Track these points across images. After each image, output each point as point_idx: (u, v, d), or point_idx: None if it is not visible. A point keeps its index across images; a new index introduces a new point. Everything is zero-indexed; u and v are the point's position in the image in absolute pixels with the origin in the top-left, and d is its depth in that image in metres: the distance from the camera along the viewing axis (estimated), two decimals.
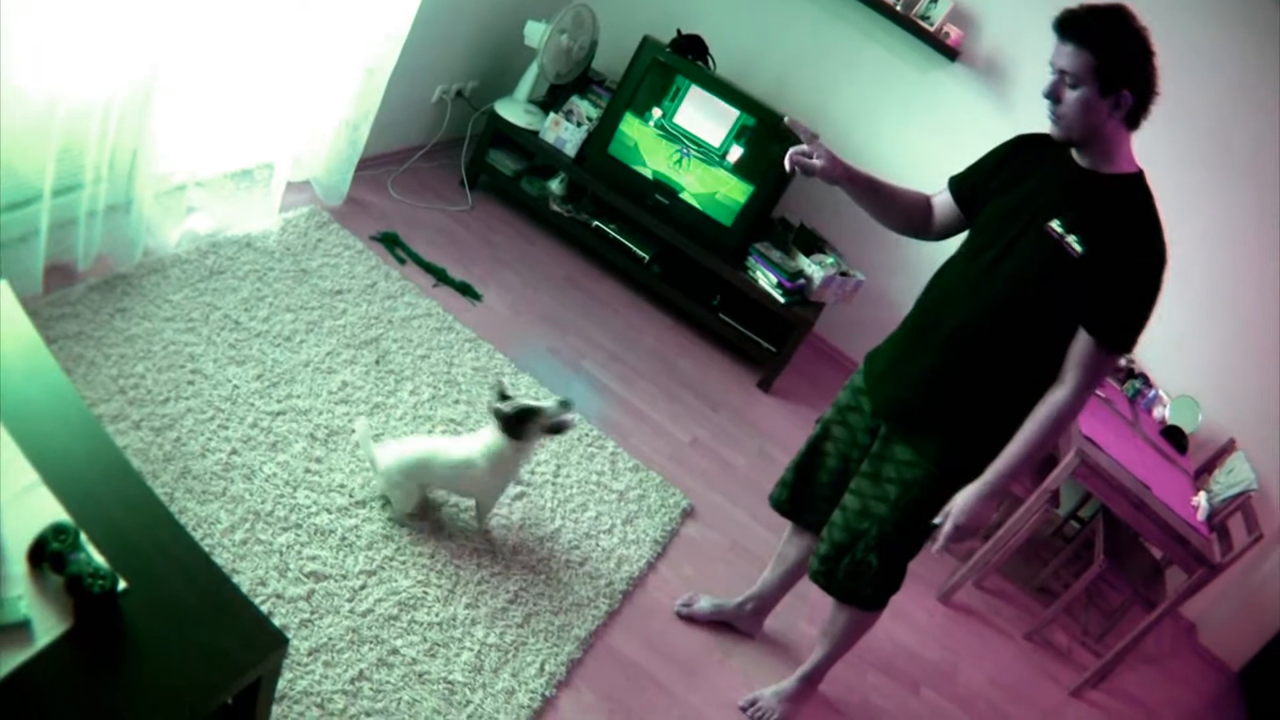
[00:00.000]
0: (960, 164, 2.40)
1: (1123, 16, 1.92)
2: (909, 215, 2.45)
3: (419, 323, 3.40)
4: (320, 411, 2.83)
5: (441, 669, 2.34)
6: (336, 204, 3.73)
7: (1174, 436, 4.10)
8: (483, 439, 2.63)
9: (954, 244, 2.35)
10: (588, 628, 2.68)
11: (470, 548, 2.70)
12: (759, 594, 2.90)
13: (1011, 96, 4.09)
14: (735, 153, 4.06)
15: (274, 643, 1.54)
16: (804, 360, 4.58)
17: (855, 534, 2.39)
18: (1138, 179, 2.03)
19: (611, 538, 3.01)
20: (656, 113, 4.11)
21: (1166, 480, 3.66)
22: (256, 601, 2.17)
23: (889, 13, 4.12)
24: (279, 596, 2.28)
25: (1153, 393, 4.27)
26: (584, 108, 4.34)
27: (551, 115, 4.28)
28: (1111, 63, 1.90)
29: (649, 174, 4.21)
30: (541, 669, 2.49)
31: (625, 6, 4.61)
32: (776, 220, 4.50)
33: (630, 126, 4.16)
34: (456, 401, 3.17)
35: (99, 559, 1.44)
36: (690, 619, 2.92)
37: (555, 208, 4.36)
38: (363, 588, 2.42)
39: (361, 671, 2.23)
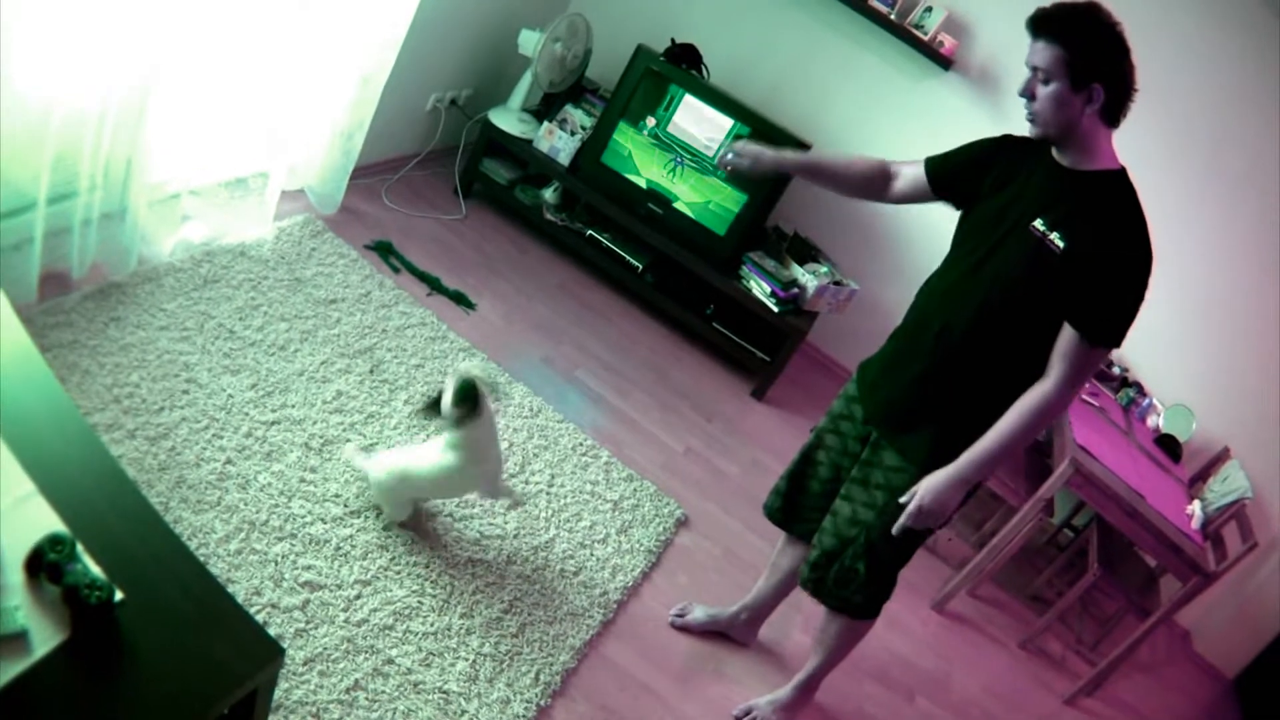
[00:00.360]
0: None
1: (1093, 11, 1.95)
2: (860, 185, 2.50)
3: (413, 332, 3.40)
4: (315, 421, 2.82)
5: (436, 678, 2.34)
6: (331, 213, 3.73)
7: (1168, 445, 4.11)
8: (440, 441, 2.57)
9: (943, 252, 2.35)
10: (582, 637, 2.67)
11: (465, 557, 2.69)
12: (753, 604, 2.90)
13: (1005, 106, 4.11)
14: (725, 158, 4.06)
15: (271, 653, 1.53)
16: (797, 369, 4.59)
17: (844, 541, 2.39)
18: (1119, 175, 2.04)
19: (606, 547, 3.01)
20: (650, 122, 4.12)
21: (1161, 489, 3.67)
22: (251, 611, 2.16)
23: (883, 22, 4.13)
24: (274, 606, 2.27)
25: (1147, 401, 4.28)
26: (578, 116, 4.34)
27: (545, 124, 4.28)
28: (1082, 56, 1.93)
29: (643, 183, 4.21)
30: (536, 678, 2.48)
31: (619, 15, 4.62)
32: (770, 229, 4.52)
33: (624, 135, 4.17)
34: None
35: (96, 570, 1.43)
36: (685, 629, 2.91)
37: (549, 216, 4.36)
38: (358, 597, 2.41)
39: (357, 681, 2.22)
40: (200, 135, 3.08)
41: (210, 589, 1.57)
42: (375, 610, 2.40)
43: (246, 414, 2.71)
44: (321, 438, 2.78)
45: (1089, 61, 1.94)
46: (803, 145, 3.93)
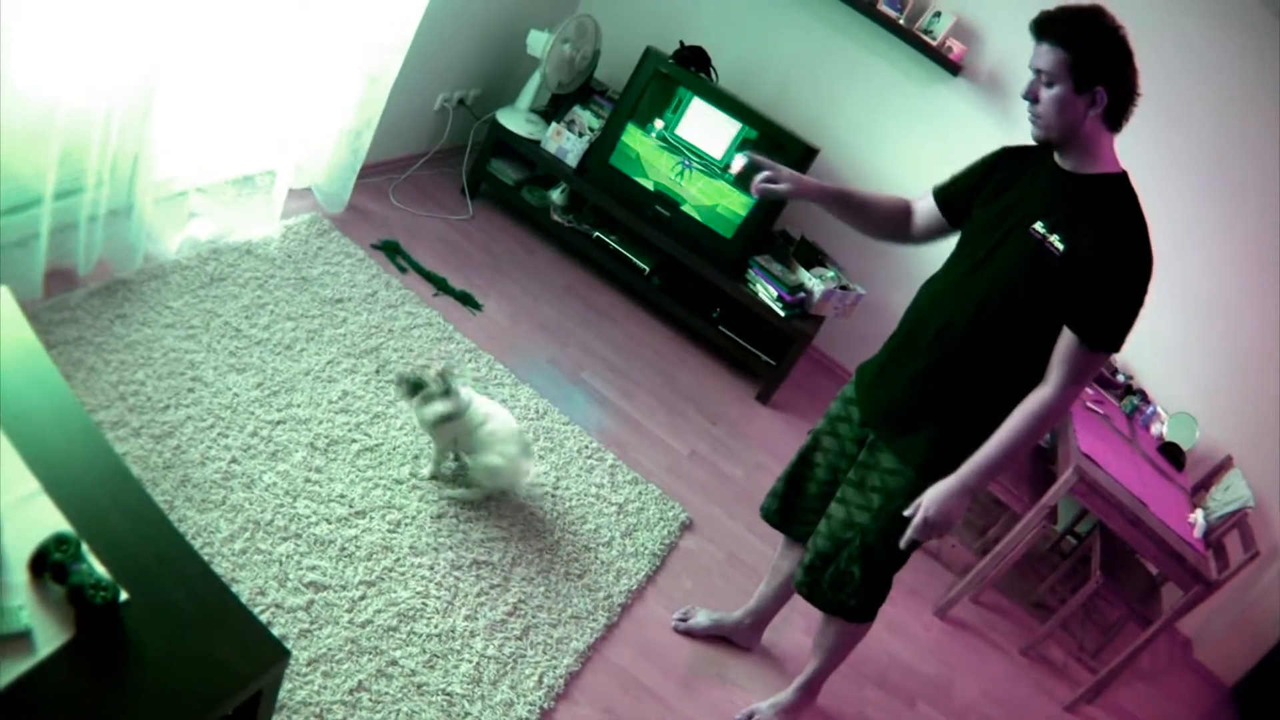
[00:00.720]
0: None
1: (1097, 15, 1.95)
2: (886, 223, 2.46)
3: (419, 332, 3.40)
4: (320, 421, 2.82)
5: (440, 680, 2.33)
6: (338, 211, 3.73)
7: (1171, 453, 4.10)
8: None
9: (945, 254, 2.35)
10: (586, 640, 2.67)
11: (469, 559, 2.69)
12: (755, 608, 2.90)
13: (1013, 112, 4.09)
14: (737, 164, 4.05)
15: (275, 655, 1.53)
16: (803, 374, 4.58)
17: (839, 543, 2.38)
18: (1121, 179, 2.03)
19: (610, 550, 3.00)
20: (658, 124, 4.12)
21: (1163, 497, 3.66)
22: (256, 611, 2.17)
23: (892, 26, 4.13)
24: (278, 606, 2.27)
25: (1150, 409, 4.27)
26: (586, 118, 4.34)
27: (553, 125, 4.28)
28: (1085, 59, 1.93)
29: (650, 185, 4.21)
30: (540, 681, 2.48)
31: (628, 17, 4.62)
32: (777, 233, 4.51)
33: (632, 137, 4.17)
34: None
35: (100, 570, 1.43)
36: (688, 633, 2.91)
37: (556, 218, 4.36)
38: (362, 598, 2.41)
39: (360, 682, 2.22)
40: (207, 133, 3.08)
41: (215, 589, 1.57)
42: (380, 611, 2.40)
43: (252, 413, 2.71)
44: (327, 438, 2.78)
45: (1093, 64, 1.93)
46: (811, 149, 3.93)
